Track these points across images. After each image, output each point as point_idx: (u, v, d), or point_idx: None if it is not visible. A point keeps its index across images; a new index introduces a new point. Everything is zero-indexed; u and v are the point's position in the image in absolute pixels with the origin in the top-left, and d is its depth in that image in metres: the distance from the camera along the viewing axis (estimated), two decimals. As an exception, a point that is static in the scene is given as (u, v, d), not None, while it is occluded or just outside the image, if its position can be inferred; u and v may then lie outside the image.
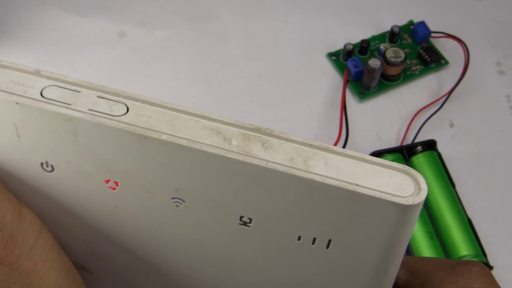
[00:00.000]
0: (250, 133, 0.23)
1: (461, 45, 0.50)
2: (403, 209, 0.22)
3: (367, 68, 0.47)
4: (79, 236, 0.28)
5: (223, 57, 0.51)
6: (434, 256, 0.40)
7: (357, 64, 0.49)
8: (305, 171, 0.22)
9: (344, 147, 0.45)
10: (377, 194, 0.22)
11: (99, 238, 0.28)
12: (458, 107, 0.49)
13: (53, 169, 0.25)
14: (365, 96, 0.49)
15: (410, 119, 0.47)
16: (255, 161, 0.22)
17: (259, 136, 0.23)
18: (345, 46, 0.50)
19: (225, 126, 0.23)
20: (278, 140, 0.23)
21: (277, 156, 0.23)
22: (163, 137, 0.23)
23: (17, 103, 0.23)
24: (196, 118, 0.24)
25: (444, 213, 0.42)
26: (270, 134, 0.23)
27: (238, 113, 0.48)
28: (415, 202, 0.22)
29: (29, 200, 0.26)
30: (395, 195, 0.22)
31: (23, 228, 0.25)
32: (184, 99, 0.49)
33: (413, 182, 0.22)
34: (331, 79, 0.50)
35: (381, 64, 0.47)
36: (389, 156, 0.44)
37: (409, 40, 0.52)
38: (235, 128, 0.23)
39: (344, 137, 0.46)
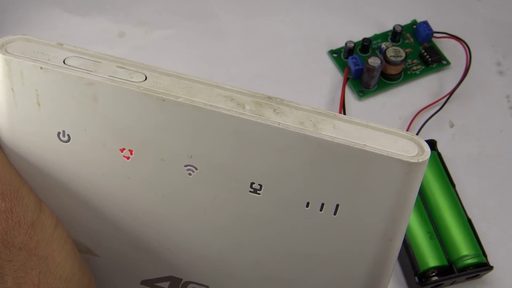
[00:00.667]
0: (262, 100, 0.25)
1: (463, 46, 0.50)
2: (409, 166, 0.23)
3: (366, 66, 0.47)
4: (88, 215, 0.29)
5: (223, 57, 0.51)
6: (434, 256, 0.40)
7: (358, 62, 0.49)
8: (315, 133, 0.23)
9: None
10: (384, 152, 0.23)
11: (108, 215, 0.29)
12: (458, 107, 0.49)
13: (69, 139, 0.26)
14: (365, 95, 0.49)
15: (410, 119, 0.47)
16: (268, 122, 0.24)
17: (270, 104, 0.25)
18: (346, 44, 0.50)
19: (238, 94, 0.25)
20: (288, 108, 0.24)
21: (288, 120, 0.24)
22: (180, 99, 0.24)
23: (41, 67, 0.25)
24: (211, 87, 0.25)
25: (444, 213, 0.42)
26: (281, 103, 0.25)
27: (238, 113, 0.48)
28: (420, 160, 0.23)
29: (42, 173, 0.27)
30: (400, 154, 0.23)
31: (43, 218, 0.26)
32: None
33: (417, 146, 0.24)
34: (331, 76, 0.50)
35: (381, 62, 0.47)
36: None
37: (411, 39, 0.52)
38: (247, 97, 0.25)
39: None
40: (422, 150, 0.24)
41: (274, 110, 0.24)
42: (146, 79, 0.25)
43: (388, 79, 0.49)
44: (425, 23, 0.51)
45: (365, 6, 0.55)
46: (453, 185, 0.43)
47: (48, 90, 0.25)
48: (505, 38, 0.53)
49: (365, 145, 0.23)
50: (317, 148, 0.24)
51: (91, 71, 0.25)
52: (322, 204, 0.25)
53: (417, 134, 0.47)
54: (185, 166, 0.26)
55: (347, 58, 0.50)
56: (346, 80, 0.49)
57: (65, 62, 0.25)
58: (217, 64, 0.51)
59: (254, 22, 0.54)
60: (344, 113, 0.47)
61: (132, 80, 0.25)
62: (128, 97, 0.24)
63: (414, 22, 0.53)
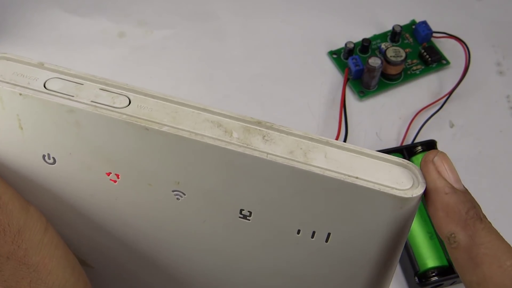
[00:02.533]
0: (251, 126, 0.23)
1: (462, 46, 0.50)
2: (402, 202, 0.22)
3: (367, 66, 0.47)
4: (79, 229, 0.28)
5: (223, 57, 0.51)
6: (434, 256, 0.40)
7: (358, 62, 0.49)
8: (305, 163, 0.22)
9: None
10: (376, 187, 0.22)
11: (100, 231, 0.28)
12: (458, 107, 0.49)
13: (54, 161, 0.25)
14: (365, 95, 0.49)
15: (410, 119, 0.47)
16: (255, 153, 0.22)
17: (259, 129, 0.23)
18: (346, 44, 0.50)
19: (226, 119, 0.24)
20: (278, 133, 0.23)
21: (277, 149, 0.23)
22: (164, 128, 0.23)
23: (20, 94, 0.23)
24: (198, 111, 0.24)
25: None
26: (270, 128, 0.23)
27: (238, 113, 0.48)
28: (414, 195, 0.22)
29: (29, 192, 0.27)
30: (394, 188, 0.22)
31: (30, 224, 0.25)
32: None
33: (412, 176, 0.23)
34: (331, 77, 0.50)
35: (381, 63, 0.47)
36: None
37: (411, 39, 0.52)
38: (236, 121, 0.24)
39: (343, 136, 0.46)
40: (417, 180, 0.22)
41: (263, 137, 0.23)
42: (129, 103, 0.24)
43: (388, 79, 0.49)
44: (424, 23, 0.51)
45: (364, 7, 0.55)
46: None
47: (29, 115, 0.24)
48: (505, 38, 0.53)
49: (357, 177, 0.22)
50: (306, 180, 0.22)
51: (72, 96, 0.23)
52: (314, 232, 0.24)
53: (417, 134, 0.47)
54: (173, 191, 0.25)
55: (347, 58, 0.50)
56: (346, 80, 0.49)
57: (46, 85, 0.24)
58: (217, 64, 0.51)
59: (254, 22, 0.54)
60: (345, 114, 0.47)
61: (114, 105, 0.23)
62: (110, 125, 0.23)
63: (413, 22, 0.53)
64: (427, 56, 0.50)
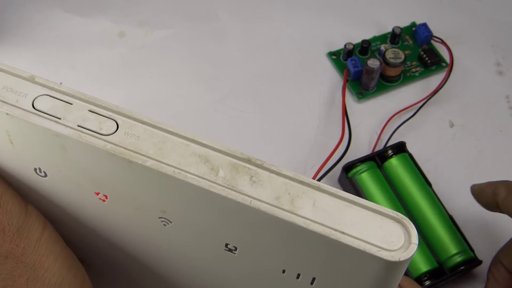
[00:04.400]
0: (240, 163, 0.22)
1: (448, 51, 0.50)
2: (389, 264, 0.21)
3: (366, 68, 0.47)
4: (75, 232, 0.28)
5: (223, 57, 0.51)
6: (424, 261, 0.40)
7: (357, 64, 0.49)
8: (291, 212, 0.21)
9: (347, 148, 0.44)
10: (362, 246, 0.21)
11: (93, 236, 0.28)
12: (458, 107, 0.49)
13: (46, 175, 0.25)
14: (364, 96, 0.49)
15: (385, 123, 0.47)
16: (239, 198, 0.21)
17: (248, 168, 0.22)
18: (345, 45, 0.50)
19: (215, 153, 0.23)
20: (268, 173, 0.22)
21: (264, 193, 0.22)
22: (148, 163, 0.22)
23: (7, 114, 0.23)
24: (186, 142, 0.23)
25: (426, 214, 0.41)
26: (260, 166, 0.22)
27: (238, 113, 0.48)
28: (402, 259, 0.20)
29: (26, 195, 0.27)
30: (382, 248, 0.21)
31: (29, 223, 0.25)
32: (184, 99, 0.49)
33: (404, 233, 0.21)
34: (330, 78, 0.50)
35: (380, 64, 0.47)
36: (362, 165, 0.43)
37: (410, 41, 0.52)
38: (225, 156, 0.22)
39: (347, 138, 0.45)
40: (409, 239, 0.21)
41: (251, 177, 0.22)
42: (117, 128, 0.23)
43: (387, 81, 0.49)
44: (424, 25, 0.51)
45: (364, 8, 0.55)
46: (430, 185, 0.43)
47: (18, 133, 0.24)
48: (505, 38, 0.53)
49: (343, 232, 0.21)
50: (290, 230, 0.21)
51: (59, 118, 0.23)
52: (299, 274, 0.23)
53: (390, 138, 0.47)
54: (160, 218, 0.24)
55: (346, 60, 0.50)
56: (346, 82, 0.49)
57: (34, 104, 0.23)
58: (217, 64, 0.51)
59: (253, 22, 0.54)
60: (347, 116, 0.46)
61: (101, 131, 0.23)
62: (95, 153, 0.23)
63: (413, 24, 0.53)
64: (427, 59, 0.50)
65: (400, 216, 0.21)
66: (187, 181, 0.22)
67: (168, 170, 0.22)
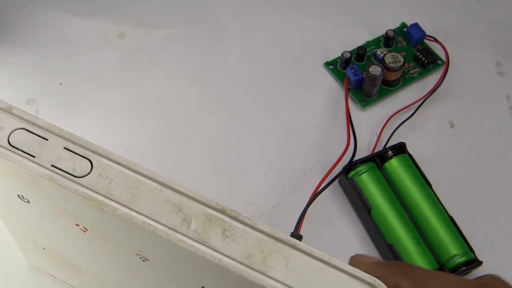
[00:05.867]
0: (214, 214, 0.22)
1: (443, 49, 0.50)
2: None
3: (368, 76, 0.47)
4: (63, 249, 0.29)
5: (223, 57, 0.51)
6: (425, 262, 0.40)
7: (357, 72, 0.48)
8: (261, 273, 0.20)
9: (353, 155, 0.44)
10: None
11: (79, 257, 0.29)
12: (458, 108, 0.49)
13: (29, 201, 0.25)
14: (368, 104, 0.48)
15: (384, 123, 0.47)
16: (208, 256, 0.21)
17: (222, 220, 0.21)
18: (342, 54, 0.50)
19: (189, 201, 0.22)
20: (242, 226, 0.21)
21: (235, 249, 0.21)
22: (119, 212, 0.21)
23: None
24: (161, 187, 0.22)
25: (426, 215, 0.41)
26: (235, 218, 0.21)
27: (238, 114, 0.48)
28: None
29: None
30: None
31: None
32: (183, 100, 0.49)
33: None
34: (330, 88, 0.50)
35: (382, 71, 0.47)
36: (362, 166, 0.43)
37: (404, 43, 0.51)
38: (199, 205, 0.22)
39: (352, 147, 0.45)
40: None
41: (224, 231, 0.21)
42: (91, 169, 0.22)
43: (388, 85, 0.49)
44: (416, 25, 0.51)
45: (353, 14, 0.54)
46: (430, 185, 0.43)
47: None
48: (505, 38, 0.53)
49: None
50: None
51: (34, 156, 0.22)
52: None
53: (389, 138, 0.46)
54: (137, 254, 0.24)
55: (344, 68, 0.50)
56: (348, 91, 0.48)
57: (10, 139, 0.23)
58: (217, 64, 0.51)
59: (253, 23, 0.54)
60: (351, 125, 0.45)
61: (74, 173, 0.22)
62: (68, 195, 0.22)
63: (403, 25, 0.52)
64: (423, 59, 0.50)
65: (373, 279, 0.20)
66: (157, 233, 0.21)
67: (138, 221, 0.21)
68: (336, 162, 0.43)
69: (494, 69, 0.52)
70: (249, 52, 0.52)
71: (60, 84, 0.49)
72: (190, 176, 0.45)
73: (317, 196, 0.42)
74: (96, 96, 0.49)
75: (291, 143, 0.47)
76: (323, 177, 0.43)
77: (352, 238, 0.43)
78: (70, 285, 0.37)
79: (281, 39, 0.53)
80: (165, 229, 0.21)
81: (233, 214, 0.21)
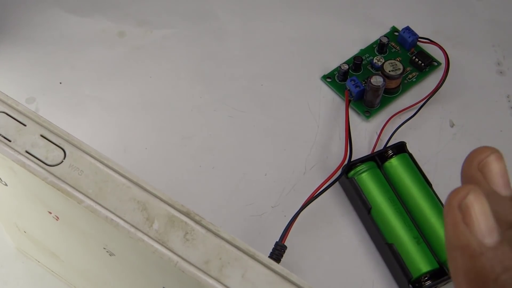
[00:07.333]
0: (178, 216, 0.21)
1: (442, 50, 0.49)
2: None
3: (370, 86, 0.46)
4: (43, 234, 0.29)
5: (223, 57, 0.51)
6: (425, 261, 0.39)
7: (357, 83, 0.48)
8: (216, 280, 0.20)
9: (349, 160, 0.43)
10: None
11: (58, 242, 0.29)
12: (459, 107, 0.49)
13: (6, 185, 0.25)
14: (371, 114, 0.48)
15: (385, 123, 0.47)
16: (165, 257, 0.21)
17: (185, 223, 0.21)
18: (340, 66, 0.49)
19: (155, 200, 0.22)
20: (204, 231, 0.21)
21: (194, 254, 0.21)
22: (84, 204, 0.22)
23: None
24: (129, 184, 0.22)
25: (427, 214, 0.41)
26: (198, 223, 0.21)
27: (238, 113, 0.48)
28: None
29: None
30: None
31: None
32: (183, 99, 0.49)
33: None
34: (329, 102, 0.49)
35: (384, 80, 0.46)
36: (362, 165, 0.43)
37: (397, 48, 0.51)
38: (164, 206, 0.22)
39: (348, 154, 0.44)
40: None
41: (185, 234, 0.21)
42: (64, 159, 0.22)
43: (388, 93, 0.49)
44: (407, 28, 0.51)
45: (345, 22, 0.54)
46: (430, 185, 0.43)
47: None
48: (505, 38, 0.53)
49: None
50: None
51: (10, 140, 0.23)
52: None
53: (390, 138, 0.47)
54: (104, 248, 0.24)
55: (342, 80, 0.49)
56: (348, 102, 0.48)
57: None
58: (217, 64, 0.51)
59: (253, 22, 0.54)
60: (350, 140, 0.45)
61: (46, 161, 0.22)
62: (38, 182, 0.22)
63: (394, 29, 0.52)
64: (420, 62, 0.50)
65: None
66: (118, 229, 0.21)
67: (102, 215, 0.21)
68: (334, 172, 0.43)
69: (495, 68, 0.52)
70: (249, 51, 0.52)
71: (60, 83, 0.48)
72: (190, 176, 0.45)
73: (309, 203, 0.41)
74: (96, 95, 0.48)
75: (291, 142, 0.47)
76: (318, 186, 0.42)
77: (352, 238, 0.43)
78: (52, 271, 0.36)
79: (281, 38, 0.53)
80: (127, 226, 0.21)
81: (197, 218, 0.21)
